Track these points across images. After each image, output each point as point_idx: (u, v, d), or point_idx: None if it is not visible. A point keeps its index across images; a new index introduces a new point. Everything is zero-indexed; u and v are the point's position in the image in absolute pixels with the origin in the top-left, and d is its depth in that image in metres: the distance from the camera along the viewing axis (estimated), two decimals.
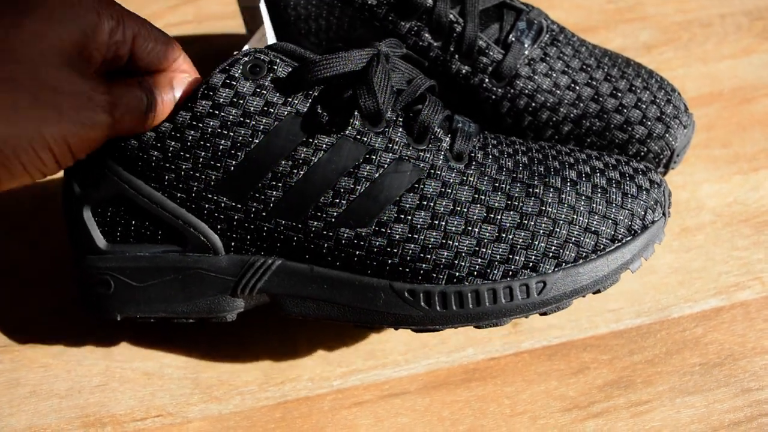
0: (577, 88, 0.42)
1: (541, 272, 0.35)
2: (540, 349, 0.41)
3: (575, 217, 0.36)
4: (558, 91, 0.42)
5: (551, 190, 0.36)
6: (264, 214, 0.36)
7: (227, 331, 0.42)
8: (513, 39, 0.42)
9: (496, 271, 0.35)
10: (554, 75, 0.42)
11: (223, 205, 0.37)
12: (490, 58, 0.41)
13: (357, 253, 0.36)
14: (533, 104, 0.42)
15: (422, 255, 0.35)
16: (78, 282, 0.40)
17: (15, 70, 0.31)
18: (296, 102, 0.35)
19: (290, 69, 0.36)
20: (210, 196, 0.36)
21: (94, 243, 0.38)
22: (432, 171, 0.36)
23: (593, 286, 0.36)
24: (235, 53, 0.36)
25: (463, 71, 0.42)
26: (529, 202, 0.36)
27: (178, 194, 0.37)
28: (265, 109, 0.35)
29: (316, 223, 0.36)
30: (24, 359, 0.42)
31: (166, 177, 0.37)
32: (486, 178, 0.36)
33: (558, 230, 0.36)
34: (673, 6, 0.60)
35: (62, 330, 0.43)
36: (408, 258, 0.36)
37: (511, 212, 0.36)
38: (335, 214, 0.36)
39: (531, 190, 0.36)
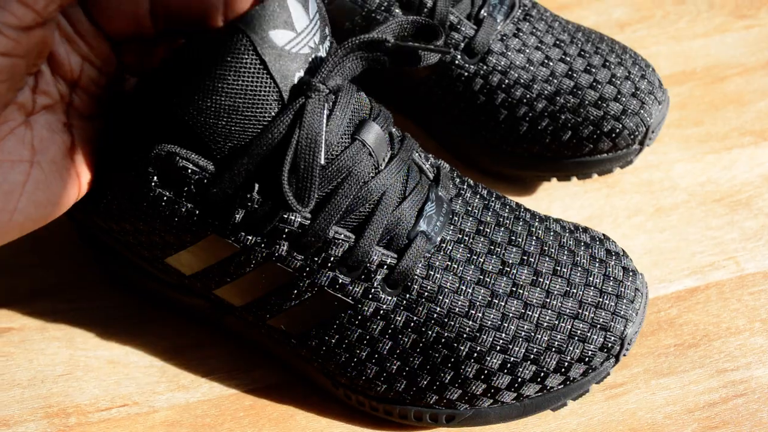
0: (551, 63, 0.41)
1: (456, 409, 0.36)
2: None
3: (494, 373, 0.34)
4: (531, 68, 0.41)
5: (470, 352, 0.34)
6: None
7: (194, 320, 0.41)
8: (485, 14, 0.41)
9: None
10: (527, 51, 0.41)
11: None
12: (462, 33, 0.40)
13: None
14: (506, 81, 0.41)
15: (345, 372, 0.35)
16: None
17: None
18: (216, 222, 0.31)
19: (204, 181, 0.30)
20: None
21: None
22: (357, 308, 0.33)
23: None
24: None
25: None
26: (460, 348, 0.34)
27: None
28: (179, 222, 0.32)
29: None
30: None
31: None
32: (411, 323, 0.34)
33: (470, 379, 0.34)
34: None
35: (24, 318, 0.41)
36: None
37: (440, 354, 0.34)
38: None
39: (457, 346, 0.34)
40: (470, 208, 0.35)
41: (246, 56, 0.28)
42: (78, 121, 0.31)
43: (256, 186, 0.30)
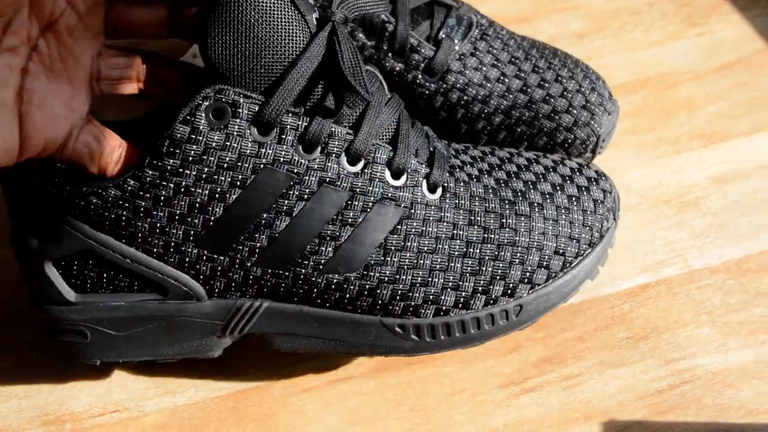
0: (506, 80, 0.44)
1: (517, 297, 0.38)
2: None
3: (545, 242, 0.38)
4: (488, 84, 0.44)
5: (522, 218, 0.38)
6: (248, 264, 0.36)
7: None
8: (443, 36, 0.44)
9: (478, 302, 0.38)
10: (484, 68, 0.44)
11: (204, 256, 0.35)
12: (421, 54, 0.43)
13: (346, 295, 0.37)
14: (465, 97, 0.44)
15: (409, 293, 0.37)
16: (46, 329, 0.39)
17: None
18: (269, 151, 0.33)
19: (255, 107, 0.33)
20: (189, 249, 0.35)
21: (62, 295, 0.37)
22: (411, 211, 0.36)
23: (561, 301, 0.39)
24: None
25: (397, 68, 0.43)
26: (504, 233, 0.38)
27: (154, 249, 0.35)
28: (239, 163, 0.33)
29: (303, 270, 0.36)
30: None
31: (139, 233, 0.35)
32: (461, 211, 0.37)
33: (530, 257, 0.38)
34: None
35: (16, 333, 0.44)
36: (396, 296, 0.37)
37: (488, 245, 0.37)
38: (322, 261, 0.36)
39: (504, 220, 0.38)
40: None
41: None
42: (37, 70, 0.31)
43: (302, 108, 0.34)
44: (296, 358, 0.42)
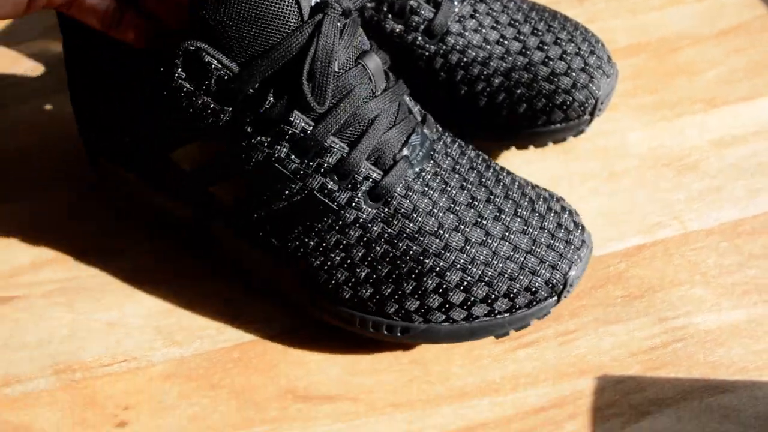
0: (506, 42, 0.45)
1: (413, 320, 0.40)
2: None
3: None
4: (488, 46, 0.45)
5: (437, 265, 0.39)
6: None
7: (184, 281, 0.45)
8: None
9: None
10: (484, 31, 0.45)
11: None
12: (421, 16, 0.44)
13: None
14: (465, 59, 0.45)
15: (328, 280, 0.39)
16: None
17: None
18: (226, 117, 0.36)
19: (225, 77, 0.35)
20: None
21: None
22: (339, 214, 0.38)
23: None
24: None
25: (397, 30, 0.44)
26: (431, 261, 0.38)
27: None
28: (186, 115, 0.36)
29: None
30: None
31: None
32: (388, 237, 0.38)
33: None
34: None
35: (28, 288, 0.45)
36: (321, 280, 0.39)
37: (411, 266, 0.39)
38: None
39: (424, 257, 0.38)
40: (449, 150, 0.40)
41: None
42: None
43: (272, 88, 0.35)
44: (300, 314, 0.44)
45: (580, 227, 0.41)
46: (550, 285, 0.39)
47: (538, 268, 0.39)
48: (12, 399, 0.42)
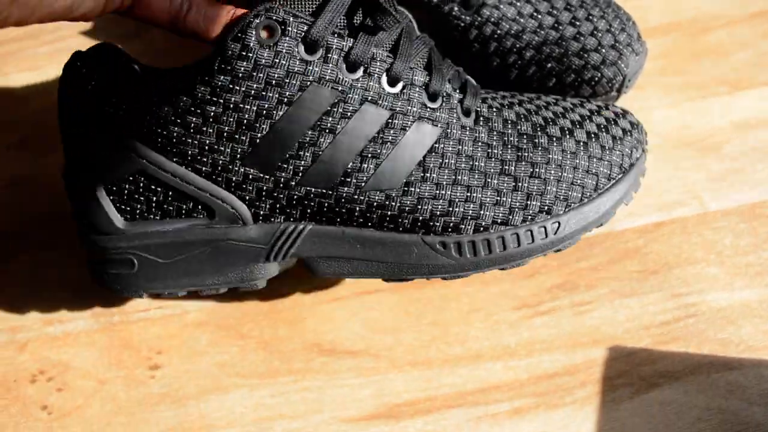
0: (539, 16, 0.46)
1: (554, 214, 0.40)
2: None
3: (578, 161, 0.40)
4: (521, 19, 0.46)
5: (554, 140, 0.40)
6: (293, 183, 0.37)
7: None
8: None
9: (516, 218, 0.39)
10: (518, 4, 0.46)
11: (251, 176, 0.37)
12: None
13: (388, 213, 0.38)
14: (498, 31, 0.46)
15: (449, 209, 0.38)
16: (93, 262, 0.40)
17: None
18: (316, 69, 0.35)
19: (304, 27, 0.35)
20: (236, 168, 0.37)
21: (112, 223, 0.38)
22: (448, 131, 0.38)
23: (597, 221, 0.41)
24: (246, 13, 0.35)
25: (435, 0, 0.45)
26: (537, 153, 0.40)
27: (203, 168, 0.37)
28: (287, 79, 0.35)
29: (346, 189, 0.37)
30: (37, 264, 0.47)
31: (189, 151, 0.36)
32: (494, 133, 0.39)
33: (565, 175, 0.40)
34: None
35: (61, 243, 0.47)
36: (437, 213, 0.38)
37: (523, 163, 0.39)
38: (364, 178, 0.37)
39: (536, 141, 0.40)
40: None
41: None
42: None
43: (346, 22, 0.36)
44: None
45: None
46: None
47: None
48: (52, 337, 0.44)
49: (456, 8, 0.45)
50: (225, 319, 0.44)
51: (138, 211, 0.39)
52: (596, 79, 0.46)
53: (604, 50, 0.46)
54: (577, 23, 0.46)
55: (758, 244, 0.46)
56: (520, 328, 0.44)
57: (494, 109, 0.40)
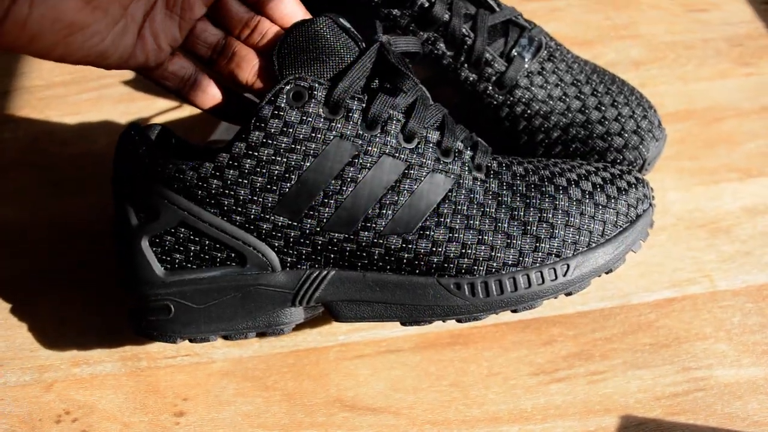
0: (567, 99, 0.49)
1: (563, 257, 0.42)
2: (516, 322, 0.48)
3: (584, 208, 0.42)
4: (551, 101, 0.49)
5: (560, 190, 0.43)
6: (318, 229, 0.40)
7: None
8: (515, 53, 0.48)
9: (527, 260, 0.41)
10: (548, 87, 0.49)
11: (280, 224, 0.40)
12: (494, 69, 0.48)
13: (405, 256, 0.41)
14: (528, 111, 0.48)
15: (463, 252, 0.41)
16: (134, 311, 0.43)
17: None
18: (338, 125, 0.39)
19: (326, 91, 0.39)
20: (268, 217, 0.40)
21: (154, 273, 0.41)
22: (460, 181, 0.41)
23: (606, 266, 0.43)
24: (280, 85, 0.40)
25: (471, 78, 0.48)
26: (544, 200, 0.42)
27: (237, 217, 0.40)
28: (312, 135, 0.39)
29: (366, 233, 0.40)
30: (67, 304, 0.48)
31: (225, 202, 0.40)
32: (504, 184, 0.42)
33: (572, 220, 0.42)
34: (663, 27, 0.66)
35: (92, 285, 0.49)
36: (451, 256, 0.41)
37: (532, 210, 0.42)
38: (383, 224, 0.40)
39: (543, 189, 0.42)
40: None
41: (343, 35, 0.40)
42: (161, 6, 0.39)
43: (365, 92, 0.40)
44: (352, 328, 0.47)
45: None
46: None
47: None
48: (80, 379, 0.45)
49: (490, 87, 0.48)
50: (251, 371, 0.46)
51: (177, 261, 0.42)
52: (618, 161, 0.48)
53: (627, 135, 0.48)
54: (603, 108, 0.49)
55: (765, 324, 0.48)
56: (537, 394, 0.45)
57: (504, 165, 0.43)
